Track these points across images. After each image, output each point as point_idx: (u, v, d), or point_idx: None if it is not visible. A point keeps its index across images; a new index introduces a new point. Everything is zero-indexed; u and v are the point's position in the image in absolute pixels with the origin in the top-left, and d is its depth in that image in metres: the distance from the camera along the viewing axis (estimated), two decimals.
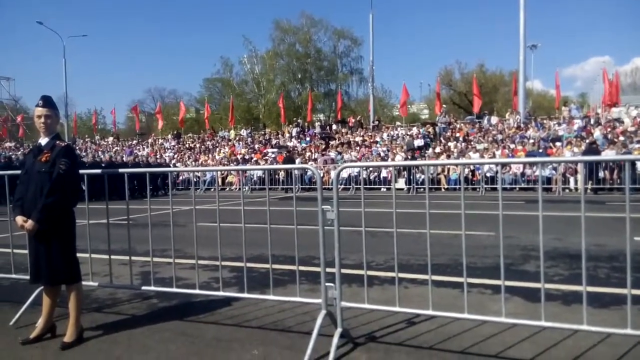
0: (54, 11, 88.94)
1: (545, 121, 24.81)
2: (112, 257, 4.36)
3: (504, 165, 16.70)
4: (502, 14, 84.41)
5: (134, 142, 37.77)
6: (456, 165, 18.03)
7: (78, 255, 3.71)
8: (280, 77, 51.99)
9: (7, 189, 4.79)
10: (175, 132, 38.73)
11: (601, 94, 27.89)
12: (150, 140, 37.43)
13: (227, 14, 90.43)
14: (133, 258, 4.46)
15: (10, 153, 32.31)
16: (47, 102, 3.62)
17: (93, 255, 4.37)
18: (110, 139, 39.38)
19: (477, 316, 3.24)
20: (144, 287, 4.34)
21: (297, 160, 23.40)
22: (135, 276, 4.78)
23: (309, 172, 19.25)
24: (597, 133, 20.19)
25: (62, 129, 37.59)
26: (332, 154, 24.17)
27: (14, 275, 4.68)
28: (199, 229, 4.10)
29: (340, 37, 51.58)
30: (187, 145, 33.67)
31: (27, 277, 4.45)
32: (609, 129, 20.62)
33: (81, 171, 4.13)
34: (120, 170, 4.31)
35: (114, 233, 4.37)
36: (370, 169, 19.54)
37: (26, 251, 4.34)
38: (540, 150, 19.26)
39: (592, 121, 22.85)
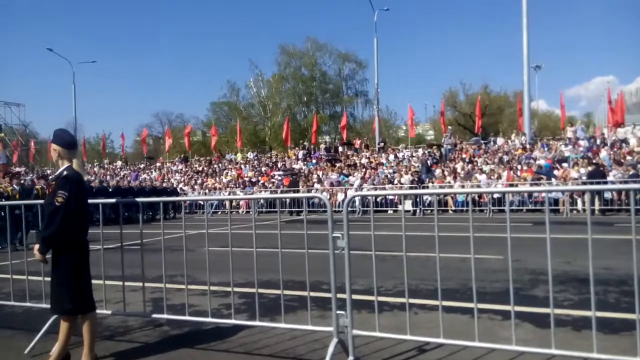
0: (63, 38, 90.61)
1: (551, 142, 24.85)
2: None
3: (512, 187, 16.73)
4: (506, 35, 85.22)
5: (142, 166, 38.10)
6: (464, 193, 17.98)
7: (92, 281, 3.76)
8: (286, 100, 52.49)
9: (8, 216, 4.94)
10: (182, 155, 39.09)
11: (606, 113, 27.98)
12: (158, 164, 37.74)
13: (233, 39, 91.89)
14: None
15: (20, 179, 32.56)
16: (53, 136, 3.76)
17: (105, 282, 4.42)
18: (119, 163, 39.76)
19: (488, 344, 3.27)
20: (156, 315, 4.38)
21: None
22: (147, 303, 4.81)
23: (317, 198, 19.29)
24: (603, 154, 20.19)
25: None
26: (335, 175, 24.23)
27: (27, 304, 4.74)
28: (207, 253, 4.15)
29: (345, 60, 52.21)
30: (194, 169, 33.91)
31: (40, 305, 4.55)
32: (615, 150, 20.62)
33: (97, 200, 4.23)
34: (137, 199, 4.38)
35: (124, 258, 4.43)
36: (377, 190, 19.58)
37: (40, 278, 4.43)
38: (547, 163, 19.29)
39: (597, 142, 22.87)
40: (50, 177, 3.78)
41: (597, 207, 16.05)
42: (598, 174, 16.90)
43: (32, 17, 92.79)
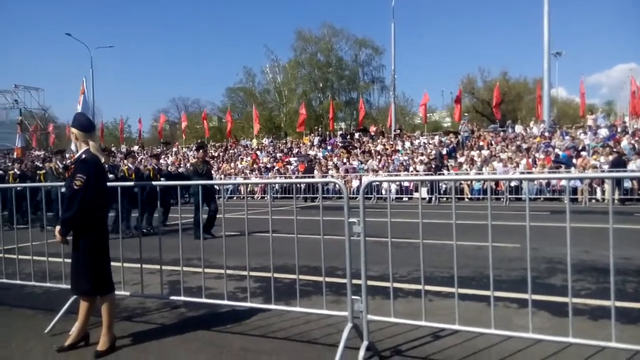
0: (81, 23, 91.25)
1: (570, 130, 24.44)
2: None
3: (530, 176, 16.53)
4: (526, 21, 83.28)
5: (159, 150, 38.41)
6: (482, 180, 17.79)
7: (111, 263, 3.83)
8: (301, 86, 52.34)
9: (28, 199, 5.05)
10: (199, 141, 39.30)
11: (628, 101, 27.38)
12: (174, 149, 38.03)
13: (249, 25, 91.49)
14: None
15: (38, 162, 33.13)
16: (72, 119, 3.83)
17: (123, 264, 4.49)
18: (136, 147, 40.15)
19: (504, 331, 3.24)
20: (173, 297, 4.44)
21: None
22: (164, 285, 4.88)
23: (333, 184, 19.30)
24: (624, 142, 19.81)
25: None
26: (357, 163, 24.19)
27: (47, 284, 4.83)
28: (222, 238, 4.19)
29: (362, 46, 51.79)
30: (210, 154, 34.11)
31: (60, 285, 4.64)
32: (637, 138, 20.22)
33: (115, 183, 4.27)
34: (154, 182, 4.42)
35: (142, 241, 4.49)
36: (392, 177, 19.49)
37: (60, 259, 4.52)
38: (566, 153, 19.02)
39: (619, 129, 22.44)
40: (69, 160, 3.83)
41: (616, 196, 15.79)
42: (619, 163, 16.60)
43: (51, 2, 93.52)
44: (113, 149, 31.62)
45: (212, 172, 14.25)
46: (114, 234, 4.00)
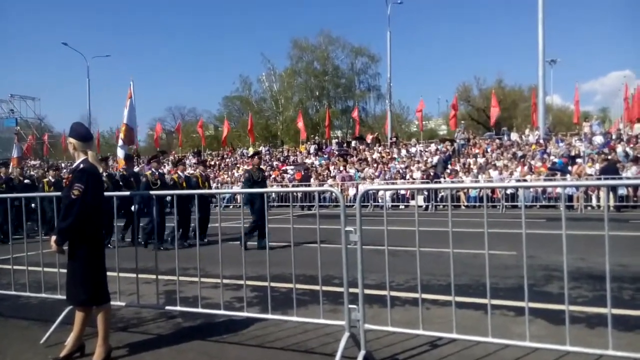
0: (78, 32, 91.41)
1: (565, 137, 24.56)
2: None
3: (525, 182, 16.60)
4: (521, 29, 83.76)
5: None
6: (478, 188, 17.84)
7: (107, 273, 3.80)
8: (298, 95, 52.44)
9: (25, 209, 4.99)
10: (195, 149, 39.27)
11: (623, 108, 27.56)
12: (170, 158, 37.97)
13: (246, 33, 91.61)
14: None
15: (34, 172, 33.04)
16: (69, 129, 3.82)
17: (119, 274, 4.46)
18: None
19: (501, 340, 3.24)
20: (169, 307, 4.42)
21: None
22: (160, 295, 4.85)
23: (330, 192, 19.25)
24: (619, 149, 19.92)
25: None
26: (353, 171, 24.21)
27: (43, 295, 4.80)
28: (217, 247, 4.18)
29: (358, 54, 51.97)
30: (206, 163, 34.10)
31: (56, 296, 4.61)
32: (631, 145, 20.34)
33: (111, 193, 4.26)
34: (151, 192, 4.41)
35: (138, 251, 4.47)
36: (389, 185, 19.52)
37: (55, 270, 4.50)
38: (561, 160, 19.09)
39: (614, 137, 22.58)
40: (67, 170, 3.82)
41: (612, 203, 15.84)
42: (611, 169, 16.67)
43: (47, 11, 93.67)
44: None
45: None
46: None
